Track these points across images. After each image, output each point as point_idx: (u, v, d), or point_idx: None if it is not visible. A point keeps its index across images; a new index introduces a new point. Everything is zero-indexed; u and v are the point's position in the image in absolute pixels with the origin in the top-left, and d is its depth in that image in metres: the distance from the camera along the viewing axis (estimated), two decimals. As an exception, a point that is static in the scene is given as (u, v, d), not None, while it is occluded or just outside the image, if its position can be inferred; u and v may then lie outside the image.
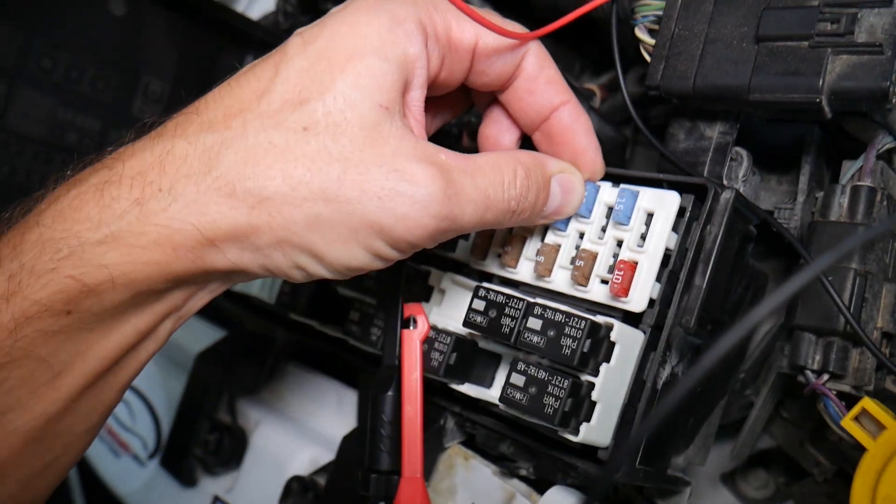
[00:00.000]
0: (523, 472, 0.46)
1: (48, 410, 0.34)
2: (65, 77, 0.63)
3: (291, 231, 0.33)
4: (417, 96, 0.37)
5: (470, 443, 0.49)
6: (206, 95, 0.36)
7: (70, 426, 0.36)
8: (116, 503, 0.70)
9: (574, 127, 0.41)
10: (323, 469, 0.54)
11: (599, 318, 0.39)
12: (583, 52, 0.72)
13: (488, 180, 0.36)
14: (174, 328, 0.38)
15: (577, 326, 0.38)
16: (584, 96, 0.54)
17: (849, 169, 0.42)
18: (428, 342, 0.45)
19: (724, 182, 0.43)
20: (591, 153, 0.42)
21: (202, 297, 0.37)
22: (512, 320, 0.41)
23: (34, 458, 0.35)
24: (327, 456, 0.55)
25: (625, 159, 0.59)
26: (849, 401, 0.39)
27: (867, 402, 0.36)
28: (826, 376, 0.40)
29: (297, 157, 0.33)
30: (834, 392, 0.40)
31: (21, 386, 0.33)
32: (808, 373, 0.41)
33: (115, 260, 0.33)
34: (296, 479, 0.53)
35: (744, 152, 0.44)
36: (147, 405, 0.71)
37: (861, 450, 0.36)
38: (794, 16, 0.37)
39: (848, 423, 0.37)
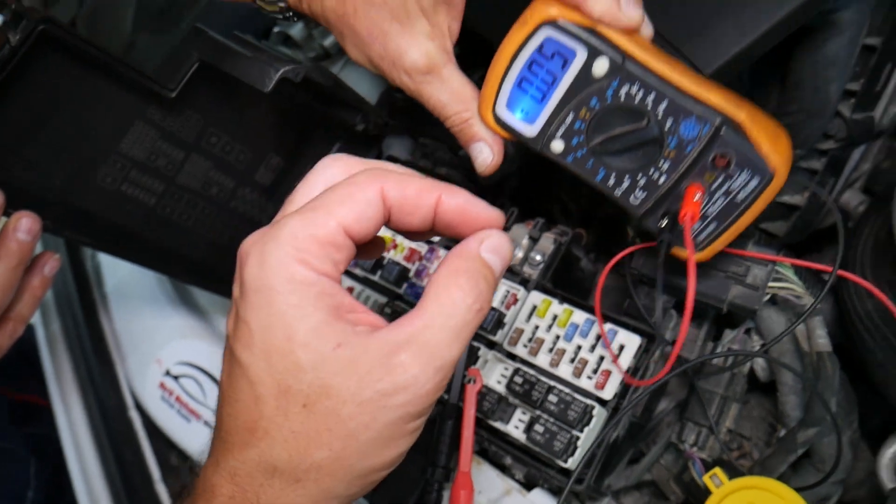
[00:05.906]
0: (518, 477, 0.76)
1: None
2: (221, 150, 0.86)
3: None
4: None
5: (483, 453, 0.79)
6: (213, 451, 0.44)
7: None
8: (184, 454, 0.93)
9: (460, 206, 0.43)
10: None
11: (589, 401, 0.70)
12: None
13: (446, 317, 0.40)
14: None
15: (578, 405, 0.69)
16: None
17: (727, 336, 0.75)
18: (480, 394, 0.74)
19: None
20: (485, 212, 0.44)
21: None
22: (539, 393, 0.71)
23: None
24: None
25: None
26: (706, 464, 0.73)
27: (717, 470, 0.69)
28: (695, 448, 0.74)
29: (320, 432, 0.40)
30: (699, 458, 0.73)
31: None
32: (686, 445, 0.74)
33: None
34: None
35: (674, 312, 0.76)
36: (217, 384, 0.94)
37: (707, 494, 0.69)
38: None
39: (706, 479, 0.70)
